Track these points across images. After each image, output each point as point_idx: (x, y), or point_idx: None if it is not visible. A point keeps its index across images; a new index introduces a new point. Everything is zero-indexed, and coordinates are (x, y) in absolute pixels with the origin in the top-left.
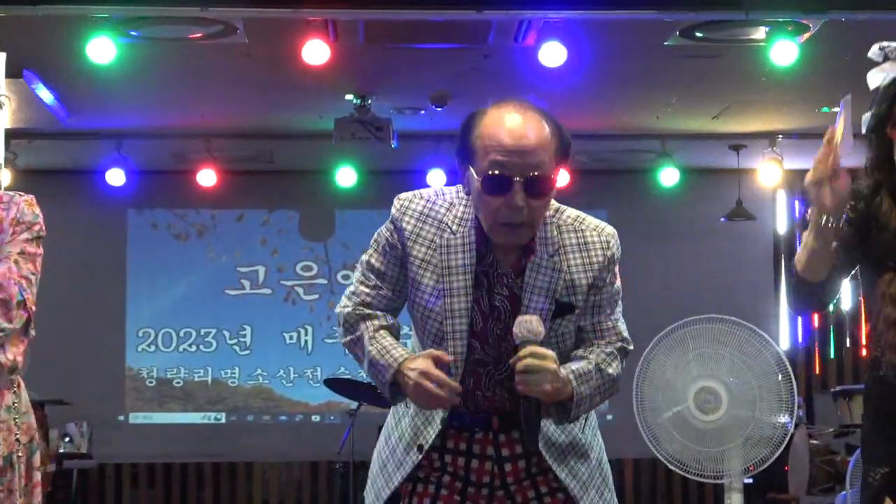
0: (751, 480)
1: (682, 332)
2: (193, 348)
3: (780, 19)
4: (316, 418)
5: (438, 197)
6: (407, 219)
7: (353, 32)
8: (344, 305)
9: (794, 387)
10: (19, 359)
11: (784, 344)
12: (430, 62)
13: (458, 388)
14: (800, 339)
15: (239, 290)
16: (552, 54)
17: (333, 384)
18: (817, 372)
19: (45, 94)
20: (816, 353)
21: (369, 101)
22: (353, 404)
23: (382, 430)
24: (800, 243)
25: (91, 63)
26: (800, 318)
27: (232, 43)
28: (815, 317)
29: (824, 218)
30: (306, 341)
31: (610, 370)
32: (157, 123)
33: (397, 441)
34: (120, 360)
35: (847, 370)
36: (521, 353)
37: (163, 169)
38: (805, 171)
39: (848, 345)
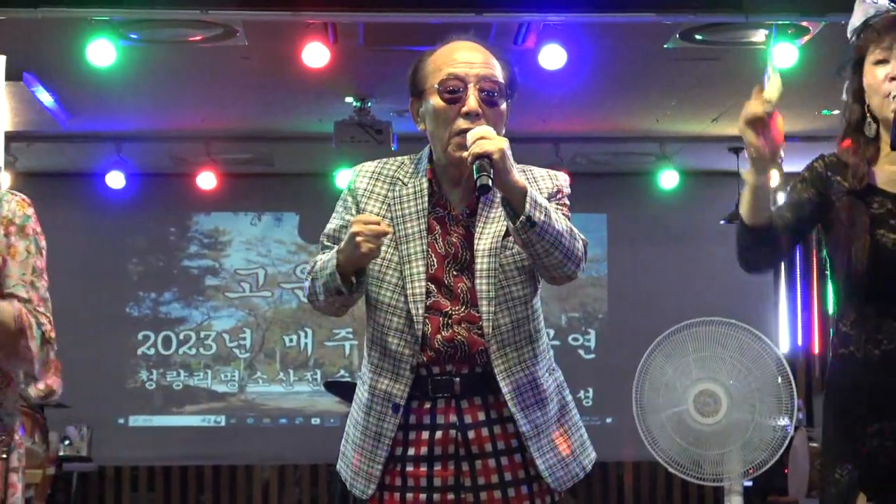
0: (751, 483)
1: (682, 335)
2: (193, 351)
3: (781, 22)
4: (316, 421)
5: (391, 160)
6: (360, 178)
7: (352, 35)
8: (307, 273)
9: (794, 389)
10: (52, 385)
11: (784, 347)
12: None
13: (383, 223)
14: (800, 342)
15: (239, 293)
16: (552, 57)
17: (333, 387)
18: (817, 374)
19: (45, 97)
20: (816, 356)
21: (369, 104)
22: None
23: (349, 416)
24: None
25: (91, 66)
26: (800, 322)
27: (232, 45)
28: (816, 320)
29: (758, 159)
30: (306, 344)
31: (567, 220)
32: (157, 126)
33: (365, 414)
34: (120, 362)
35: None
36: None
37: (162, 171)
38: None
39: None
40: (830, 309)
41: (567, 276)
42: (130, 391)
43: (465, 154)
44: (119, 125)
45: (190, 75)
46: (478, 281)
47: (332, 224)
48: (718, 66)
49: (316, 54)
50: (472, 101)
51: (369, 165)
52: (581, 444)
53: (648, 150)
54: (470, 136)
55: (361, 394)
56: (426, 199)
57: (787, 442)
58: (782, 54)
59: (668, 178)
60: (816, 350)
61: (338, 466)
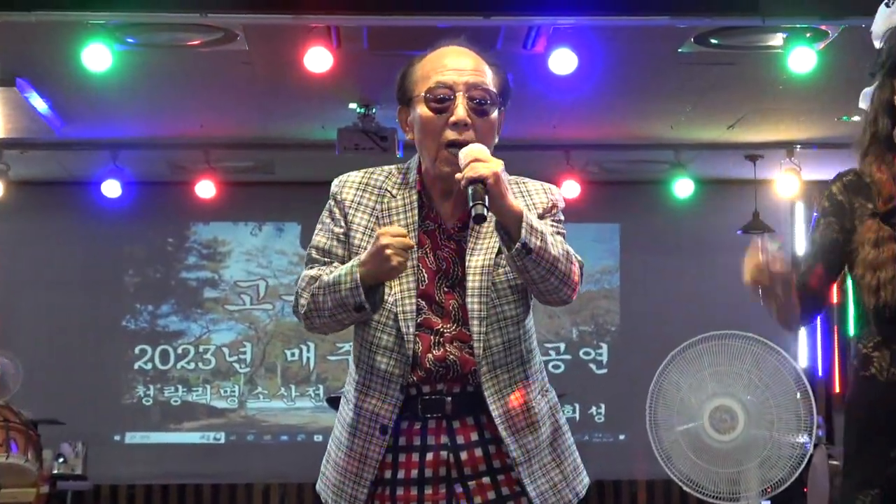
0: (768, 502)
1: (697, 349)
2: (192, 365)
3: (798, 25)
4: (318, 438)
5: (377, 169)
6: (346, 190)
7: (356, 39)
8: (296, 293)
9: (814, 405)
10: None
11: (803, 361)
12: None
13: (409, 235)
14: (819, 356)
15: (239, 306)
16: (562, 61)
17: (336, 403)
18: (837, 390)
19: (39, 103)
20: (837, 371)
21: (374, 110)
22: None
23: (331, 435)
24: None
25: (86, 71)
26: (819, 335)
27: (232, 50)
28: (836, 333)
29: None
30: (308, 358)
31: (563, 242)
32: (155, 133)
33: (350, 434)
34: (116, 377)
35: None
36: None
37: (160, 180)
38: (825, 182)
39: None
40: (851, 328)
41: (562, 300)
42: (127, 407)
43: (457, 175)
44: (115, 132)
45: (188, 81)
46: (469, 299)
47: (321, 237)
48: (734, 70)
49: (319, 59)
50: (460, 111)
51: (355, 176)
52: (574, 468)
53: (662, 158)
54: (462, 157)
55: (346, 413)
56: (416, 211)
57: (806, 460)
58: (800, 59)
59: (682, 187)
60: (837, 365)
61: (317, 487)
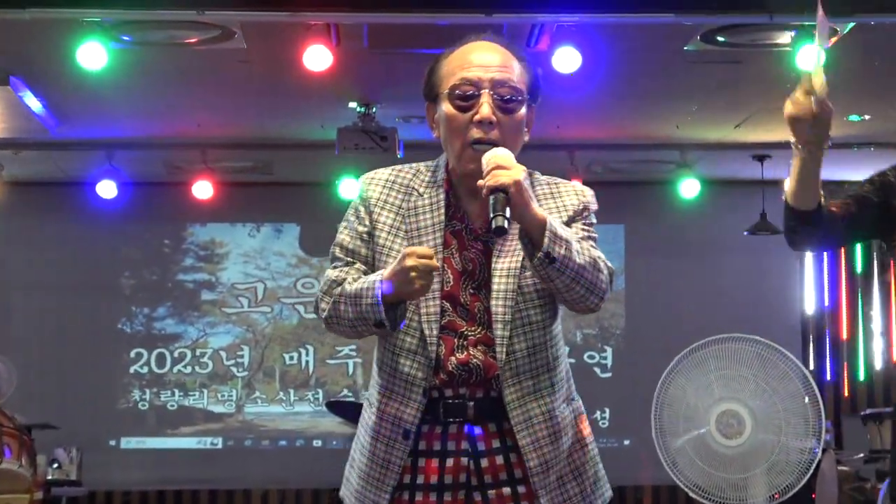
0: None
1: (703, 353)
2: (189, 369)
3: (807, 23)
4: (318, 443)
5: (405, 167)
6: (373, 187)
7: (356, 37)
8: (318, 296)
9: (822, 410)
10: None
11: (811, 364)
12: None
13: (431, 252)
14: (828, 360)
15: (237, 308)
16: (566, 60)
17: (336, 407)
18: (846, 394)
19: (33, 102)
20: (845, 375)
21: (374, 110)
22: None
23: (355, 439)
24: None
25: (81, 69)
26: (828, 338)
27: (229, 48)
28: (845, 335)
29: (803, 147)
30: (307, 362)
31: (590, 249)
32: (151, 133)
33: (372, 439)
34: (111, 381)
35: (878, 392)
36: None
37: (156, 181)
38: (833, 183)
39: (879, 366)
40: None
41: (588, 309)
42: (122, 411)
43: (479, 183)
44: (111, 132)
45: (185, 79)
46: (493, 302)
47: (345, 236)
48: (741, 69)
49: (318, 57)
50: (485, 109)
51: (382, 173)
52: (595, 481)
53: (668, 158)
54: (484, 163)
55: (368, 417)
56: (443, 211)
57: (814, 465)
58: (808, 56)
59: (688, 187)
60: (846, 368)
61: (341, 493)
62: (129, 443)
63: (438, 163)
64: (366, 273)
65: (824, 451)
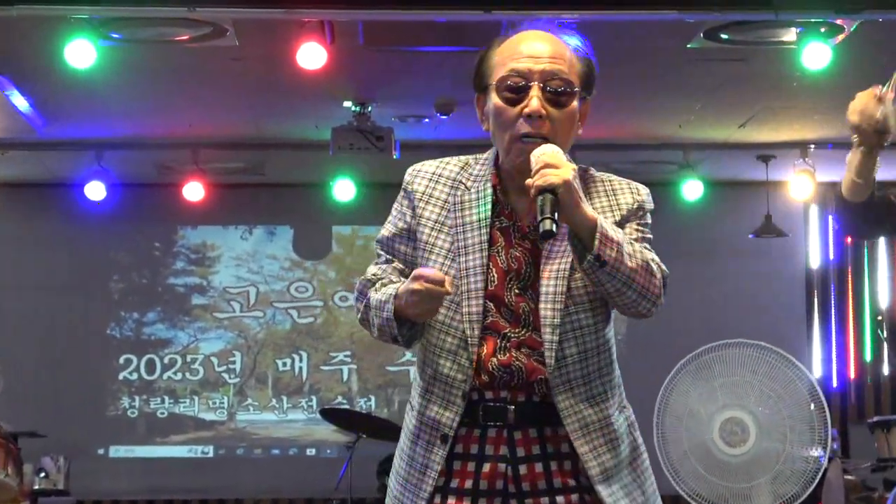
0: None
1: (706, 358)
2: (179, 376)
3: (813, 20)
4: (311, 452)
5: (452, 159)
6: (419, 180)
7: (351, 34)
8: (356, 294)
9: (828, 417)
10: None
11: (817, 371)
12: (434, 66)
13: (448, 278)
14: (834, 366)
15: (228, 313)
16: None
17: (330, 415)
18: (853, 401)
19: (20, 101)
20: (852, 382)
21: (369, 109)
22: (351, 437)
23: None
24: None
25: (69, 68)
26: (834, 345)
27: (221, 46)
28: (852, 343)
29: (863, 144)
30: (300, 368)
31: (643, 251)
32: (141, 133)
33: (412, 443)
34: (100, 388)
35: (885, 400)
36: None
37: (146, 182)
38: (839, 184)
39: (887, 372)
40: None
41: (640, 314)
42: (111, 419)
43: (527, 182)
44: (99, 131)
45: (176, 78)
46: (542, 305)
47: (387, 230)
48: (746, 67)
49: (312, 55)
50: (534, 103)
51: (429, 165)
52: (654, 490)
53: (671, 159)
54: (533, 161)
55: (409, 421)
56: (489, 206)
57: (820, 474)
58: (814, 54)
59: (692, 189)
60: (852, 375)
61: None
62: (118, 451)
63: (488, 156)
64: (402, 272)
65: (830, 459)
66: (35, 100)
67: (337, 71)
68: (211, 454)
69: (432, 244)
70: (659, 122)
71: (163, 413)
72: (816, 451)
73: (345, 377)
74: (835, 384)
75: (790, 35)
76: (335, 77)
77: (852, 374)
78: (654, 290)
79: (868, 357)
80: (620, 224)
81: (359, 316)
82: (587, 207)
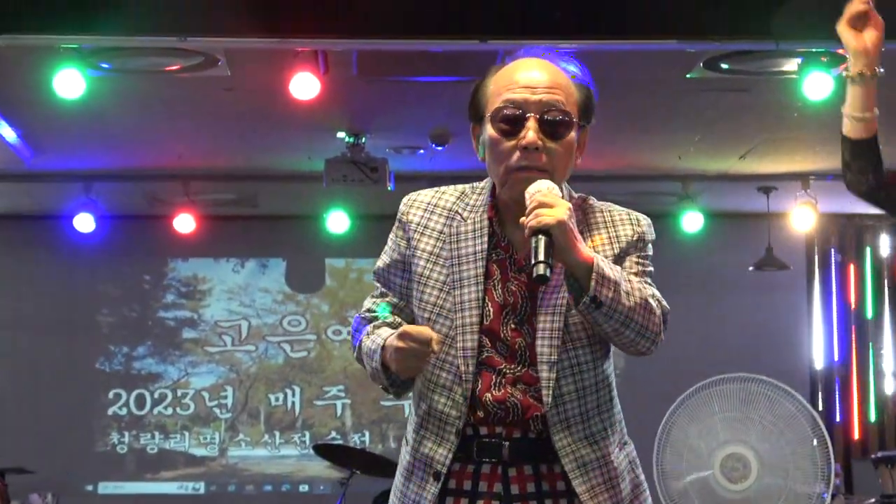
0: None
1: (707, 393)
2: (170, 410)
3: (814, 49)
4: (304, 488)
5: (449, 188)
6: (414, 210)
7: (345, 64)
8: (353, 324)
9: (831, 453)
10: None
11: (820, 405)
12: (429, 97)
13: (435, 337)
14: (837, 400)
15: (220, 347)
16: None
17: (324, 451)
18: (857, 436)
19: (8, 132)
20: (856, 416)
21: (363, 140)
22: (345, 473)
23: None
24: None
25: (58, 98)
26: (837, 380)
27: (212, 76)
28: (855, 376)
29: (857, 67)
30: (293, 403)
31: (642, 288)
32: (131, 164)
33: (405, 479)
34: (88, 423)
35: (890, 435)
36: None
37: (136, 213)
38: (842, 216)
39: (891, 406)
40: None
41: (639, 352)
42: (100, 455)
43: (521, 220)
44: (88, 163)
45: (166, 108)
46: (539, 342)
47: (382, 262)
48: (746, 97)
49: (305, 85)
50: (530, 135)
51: (424, 195)
52: None
53: (670, 190)
54: (528, 197)
55: (404, 456)
56: (486, 238)
57: None
58: (816, 84)
59: (691, 221)
60: (856, 409)
61: None
62: (107, 488)
63: (484, 185)
64: (397, 305)
65: (833, 496)
66: (23, 131)
67: (330, 101)
68: (202, 491)
69: (427, 276)
70: (658, 153)
71: (153, 449)
72: (819, 488)
73: (338, 412)
74: (838, 418)
75: (791, 65)
76: (329, 108)
77: (856, 409)
78: (653, 328)
79: (871, 388)
80: (620, 256)
81: (354, 354)
82: (583, 247)
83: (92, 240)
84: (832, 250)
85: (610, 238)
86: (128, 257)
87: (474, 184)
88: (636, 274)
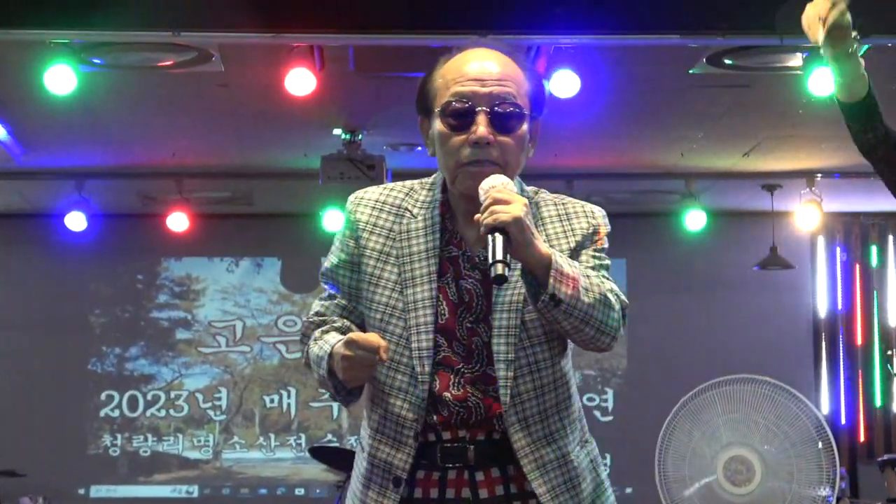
0: None
1: (710, 395)
2: (163, 412)
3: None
4: (300, 492)
5: (397, 185)
6: (362, 209)
7: (341, 60)
8: (301, 331)
9: (836, 456)
10: None
11: (825, 408)
12: None
13: (383, 345)
14: (843, 402)
15: (214, 348)
16: (565, 84)
17: (320, 453)
18: (862, 439)
19: None
20: (861, 418)
21: (360, 137)
22: (341, 476)
23: (350, 482)
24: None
25: (49, 94)
26: (842, 380)
27: (207, 72)
28: (860, 378)
29: (827, 48)
30: (288, 405)
31: (601, 283)
32: (123, 161)
33: (364, 486)
34: (80, 425)
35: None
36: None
37: (129, 212)
38: (848, 214)
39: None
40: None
41: (599, 349)
42: (92, 458)
43: (476, 217)
44: (80, 160)
45: (159, 105)
46: (495, 340)
47: (329, 262)
48: (750, 93)
49: (301, 81)
50: (480, 129)
51: (371, 193)
52: None
53: (672, 188)
54: (482, 195)
55: (360, 463)
56: (438, 235)
57: None
58: (821, 80)
59: (694, 219)
60: (862, 412)
61: None
62: (100, 491)
63: (434, 181)
64: (346, 307)
65: (839, 499)
66: (13, 128)
67: (327, 98)
68: (196, 494)
69: (378, 276)
70: (661, 151)
71: (146, 451)
72: (824, 491)
73: (335, 414)
74: (843, 421)
75: (796, 60)
76: (325, 104)
77: (861, 411)
78: (613, 324)
79: (878, 394)
80: (576, 250)
81: (303, 360)
82: (540, 243)
83: (84, 238)
84: (838, 249)
85: (565, 231)
86: (120, 256)
87: (423, 179)
88: (593, 268)
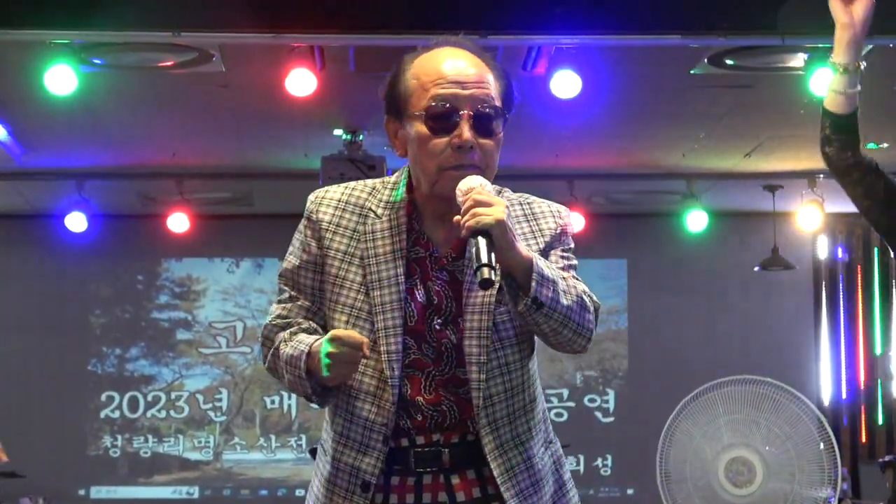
0: None
1: (711, 395)
2: (163, 413)
3: (821, 45)
4: (300, 493)
5: (358, 184)
6: (324, 209)
7: (342, 60)
8: (260, 336)
9: (838, 456)
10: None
11: (826, 409)
12: None
13: (365, 341)
14: (844, 404)
15: (214, 349)
16: (565, 84)
17: None
18: (864, 440)
19: None
20: (863, 419)
21: (360, 137)
22: None
23: (308, 490)
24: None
25: (49, 94)
26: (844, 383)
27: (207, 72)
28: (862, 379)
29: (840, 58)
30: (289, 406)
31: (575, 285)
32: (124, 162)
33: (328, 491)
34: (81, 426)
35: None
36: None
37: (129, 213)
38: (849, 214)
39: None
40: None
41: (575, 351)
42: (92, 459)
43: (456, 219)
44: (80, 161)
45: (160, 105)
46: (466, 342)
47: (289, 263)
48: (752, 94)
49: (301, 82)
50: (465, 134)
51: (333, 192)
52: None
53: (674, 189)
54: (460, 197)
55: (323, 466)
56: (404, 236)
57: None
58: (823, 81)
59: (695, 220)
60: (863, 413)
61: None
62: (100, 492)
63: (397, 180)
64: (309, 309)
65: (840, 500)
66: (13, 128)
67: (327, 98)
68: (196, 495)
69: (343, 277)
70: (662, 151)
71: (146, 452)
72: (826, 492)
73: None
74: (845, 422)
75: (797, 61)
76: (325, 104)
77: (863, 412)
78: (589, 325)
79: (879, 393)
80: (545, 251)
81: (266, 364)
82: (521, 246)
83: (84, 239)
84: (839, 250)
85: (532, 231)
86: (120, 257)
87: (384, 178)
88: (563, 269)
